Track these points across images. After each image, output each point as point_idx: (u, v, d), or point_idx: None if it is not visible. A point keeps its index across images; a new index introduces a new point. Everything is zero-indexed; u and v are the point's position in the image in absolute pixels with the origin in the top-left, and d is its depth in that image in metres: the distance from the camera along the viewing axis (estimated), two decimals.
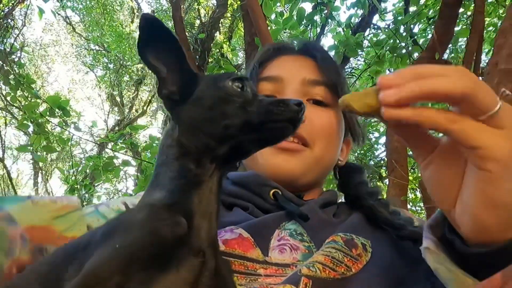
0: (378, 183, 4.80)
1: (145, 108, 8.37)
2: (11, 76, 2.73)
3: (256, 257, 0.59)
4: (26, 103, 2.78)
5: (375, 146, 4.90)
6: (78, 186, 3.43)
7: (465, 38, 3.19)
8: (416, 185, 3.15)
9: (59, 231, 0.58)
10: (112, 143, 3.22)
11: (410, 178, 3.09)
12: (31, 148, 2.80)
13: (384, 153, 4.34)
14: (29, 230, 0.55)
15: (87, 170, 3.32)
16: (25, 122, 2.73)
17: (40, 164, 8.48)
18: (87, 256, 0.39)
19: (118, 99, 8.52)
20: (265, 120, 0.47)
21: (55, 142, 3.02)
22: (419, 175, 4.52)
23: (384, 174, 4.53)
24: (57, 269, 0.42)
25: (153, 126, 8.86)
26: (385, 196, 3.16)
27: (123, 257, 0.38)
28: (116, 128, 7.67)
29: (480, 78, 2.62)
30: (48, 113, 2.80)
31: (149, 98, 8.47)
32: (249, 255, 0.59)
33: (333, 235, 0.63)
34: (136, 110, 8.47)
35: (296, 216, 0.65)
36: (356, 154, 5.18)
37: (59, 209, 0.60)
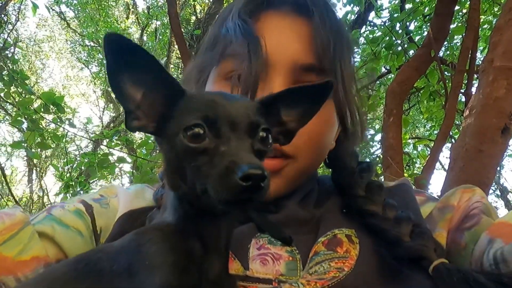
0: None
1: None
2: (5, 72, 2.71)
3: (236, 271, 0.55)
4: (20, 99, 2.75)
5: (371, 143, 4.91)
6: (73, 183, 3.41)
7: (461, 36, 3.20)
8: (412, 182, 3.17)
9: (12, 257, 0.51)
10: (107, 140, 3.21)
11: (406, 175, 3.10)
12: (25, 144, 2.78)
13: (380, 150, 4.35)
14: None
15: (82, 167, 3.30)
16: (19, 118, 2.71)
17: (35, 161, 8.43)
18: None
19: (113, 95, 8.48)
20: (216, 197, 0.39)
21: (49, 138, 3.00)
22: (415, 171, 4.55)
23: (379, 171, 4.54)
24: None
25: None
26: None
27: None
28: (111, 124, 7.63)
29: (475, 75, 2.63)
30: (42, 110, 2.78)
31: None
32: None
33: (315, 244, 0.58)
34: None
35: (279, 240, 0.59)
36: None
37: (2, 232, 0.53)
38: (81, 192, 3.48)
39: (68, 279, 0.42)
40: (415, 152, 5.10)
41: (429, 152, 4.53)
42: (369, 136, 5.07)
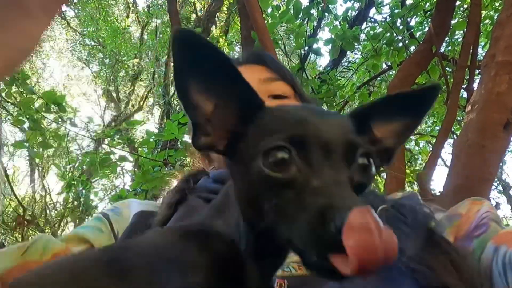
0: (376, 177, 4.81)
1: (141, 103, 8.33)
2: None
3: None
4: (22, 99, 2.75)
5: None
6: (75, 182, 3.42)
7: (462, 31, 3.19)
8: (414, 178, 3.16)
9: (36, 260, 0.60)
10: (109, 139, 3.20)
11: (408, 171, 3.10)
12: (27, 144, 2.78)
13: None
14: (6, 275, 0.57)
15: (84, 166, 3.30)
16: (20, 118, 2.71)
17: (37, 160, 8.44)
18: None
19: (114, 94, 8.47)
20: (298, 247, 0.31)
21: (51, 138, 3.00)
22: (416, 168, 4.54)
23: (382, 168, 4.54)
24: None
25: (149, 121, 8.83)
26: (382, 190, 3.17)
27: None
28: (113, 123, 7.64)
29: (477, 71, 2.62)
30: (43, 109, 2.77)
31: (146, 93, 8.43)
32: None
33: None
34: (133, 106, 8.43)
35: None
36: None
37: (19, 247, 0.62)
38: (83, 191, 3.49)
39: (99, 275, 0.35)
40: (417, 148, 5.09)
41: (431, 149, 4.51)
42: None
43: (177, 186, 0.76)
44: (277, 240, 0.33)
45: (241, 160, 0.36)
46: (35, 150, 3.07)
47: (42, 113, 2.80)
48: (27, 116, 2.74)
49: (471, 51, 2.40)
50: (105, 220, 0.75)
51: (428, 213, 0.61)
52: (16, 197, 5.51)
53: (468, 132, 1.60)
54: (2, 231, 6.55)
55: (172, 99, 5.53)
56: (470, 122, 1.60)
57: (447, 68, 3.15)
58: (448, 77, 2.93)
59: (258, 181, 0.33)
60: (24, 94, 2.83)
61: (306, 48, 3.31)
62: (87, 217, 4.05)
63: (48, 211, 7.57)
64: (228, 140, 0.38)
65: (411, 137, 5.17)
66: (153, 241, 0.39)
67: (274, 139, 0.33)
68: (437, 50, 2.70)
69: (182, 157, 3.10)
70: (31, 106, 2.74)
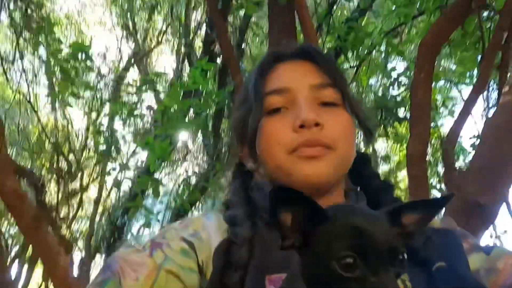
0: (395, 124, 4.74)
1: (159, 38, 8.11)
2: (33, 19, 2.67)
3: None
4: (51, 48, 2.75)
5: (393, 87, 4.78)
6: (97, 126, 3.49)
7: None
8: (440, 138, 3.12)
9: None
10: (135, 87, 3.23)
11: (433, 138, 3.06)
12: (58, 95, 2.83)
13: (404, 93, 4.26)
14: None
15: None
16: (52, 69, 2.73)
17: (56, 89, 8.50)
18: None
19: (131, 28, 8.22)
20: None
21: (80, 87, 3.04)
22: (439, 124, 4.45)
23: (401, 115, 4.49)
24: None
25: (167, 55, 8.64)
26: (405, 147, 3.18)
27: None
28: (132, 60, 7.54)
29: None
30: (72, 58, 2.78)
31: (164, 27, 8.16)
32: None
33: None
34: (151, 40, 8.22)
35: None
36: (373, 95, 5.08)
37: (143, 285, 0.63)
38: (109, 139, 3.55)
39: None
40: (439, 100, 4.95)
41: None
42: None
43: (242, 196, 0.78)
44: None
45: (313, 252, 0.50)
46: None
47: (70, 62, 2.81)
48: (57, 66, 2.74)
49: None
50: (192, 254, 0.70)
51: None
52: (41, 125, 5.70)
53: (503, 114, 1.59)
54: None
55: (194, 41, 5.33)
56: (506, 103, 1.58)
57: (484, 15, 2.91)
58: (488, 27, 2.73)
59: (332, 276, 0.47)
60: (50, 44, 2.82)
61: None
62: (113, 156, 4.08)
63: (71, 140, 7.77)
64: (302, 239, 0.51)
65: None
66: None
67: (342, 247, 0.47)
68: (478, 2, 2.50)
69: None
70: (59, 55, 2.75)
